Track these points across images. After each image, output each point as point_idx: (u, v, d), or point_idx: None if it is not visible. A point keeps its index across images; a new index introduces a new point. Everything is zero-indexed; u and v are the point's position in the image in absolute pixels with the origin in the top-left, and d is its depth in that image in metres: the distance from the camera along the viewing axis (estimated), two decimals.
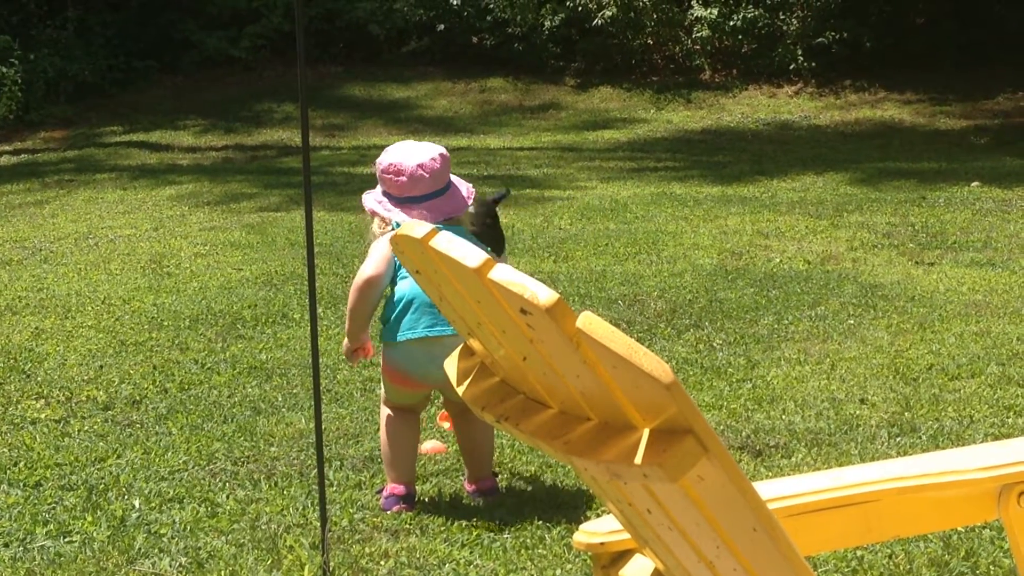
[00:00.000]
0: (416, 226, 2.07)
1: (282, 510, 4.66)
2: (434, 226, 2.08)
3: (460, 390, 2.30)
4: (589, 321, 1.86)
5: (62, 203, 13.84)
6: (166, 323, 7.76)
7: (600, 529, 2.66)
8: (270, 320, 7.75)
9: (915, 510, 2.83)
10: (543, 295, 1.89)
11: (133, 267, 9.77)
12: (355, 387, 6.27)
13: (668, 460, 1.86)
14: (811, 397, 6.01)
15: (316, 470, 5.01)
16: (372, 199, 4.70)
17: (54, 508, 4.73)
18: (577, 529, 2.69)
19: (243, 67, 21.57)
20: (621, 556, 2.65)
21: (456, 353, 2.39)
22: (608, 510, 2.56)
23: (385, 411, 4.79)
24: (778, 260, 9.45)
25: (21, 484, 5.00)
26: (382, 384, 4.83)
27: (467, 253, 1.99)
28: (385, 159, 4.63)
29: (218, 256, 10.12)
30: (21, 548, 4.34)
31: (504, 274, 1.94)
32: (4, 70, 19.31)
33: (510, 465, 5.11)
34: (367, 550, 4.26)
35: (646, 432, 1.91)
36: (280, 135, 18.78)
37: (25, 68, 19.58)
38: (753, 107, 20.06)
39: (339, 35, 21.90)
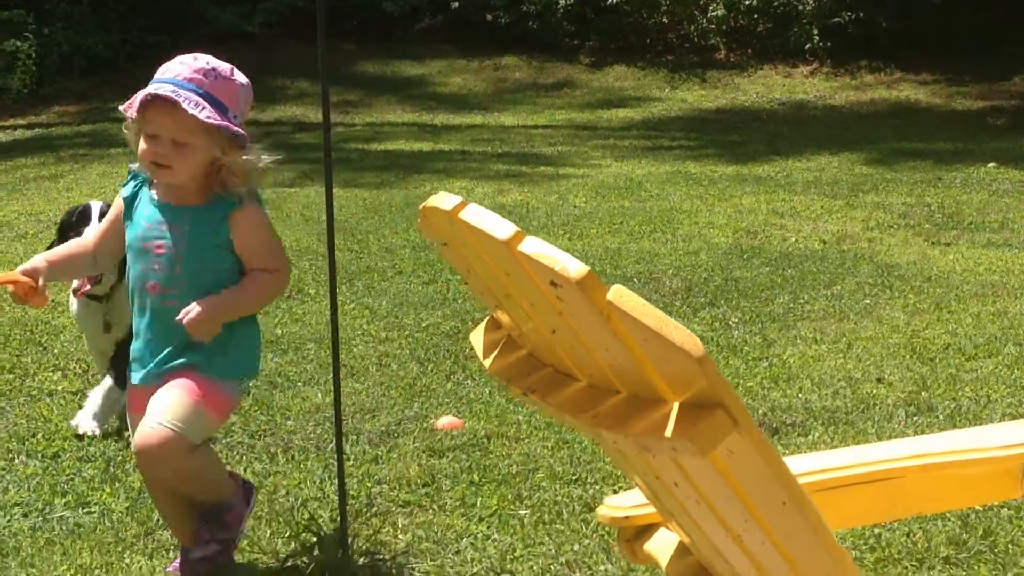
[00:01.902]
0: (446, 197, 2.06)
1: (299, 483, 4.66)
2: (462, 198, 2.07)
3: (487, 363, 2.30)
4: (620, 294, 1.85)
5: (77, 177, 13.83)
6: None
7: (625, 503, 2.66)
8: (285, 295, 7.74)
9: (937, 487, 2.83)
10: (574, 268, 1.88)
11: None
12: (371, 362, 6.27)
13: (698, 434, 1.86)
14: (827, 376, 6.00)
15: (332, 444, 5.04)
16: None
17: (72, 479, 4.74)
18: (596, 504, 2.69)
19: (256, 43, 21.54)
20: (645, 530, 2.65)
21: (482, 326, 2.39)
22: (633, 484, 2.56)
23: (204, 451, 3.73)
24: (793, 239, 9.43)
25: (39, 455, 5.01)
26: (204, 424, 3.65)
27: (497, 225, 1.98)
28: None
29: None
30: (40, 518, 4.35)
31: (535, 246, 1.93)
32: (18, 44, 19.31)
33: (527, 441, 5.11)
34: (385, 524, 4.27)
35: (676, 405, 1.90)
36: (294, 111, 18.76)
37: (39, 42, 19.58)
38: (768, 87, 20.01)
39: (353, 12, 21.86)
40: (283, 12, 21.52)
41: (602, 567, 3.94)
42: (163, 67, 3.62)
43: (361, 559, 3.92)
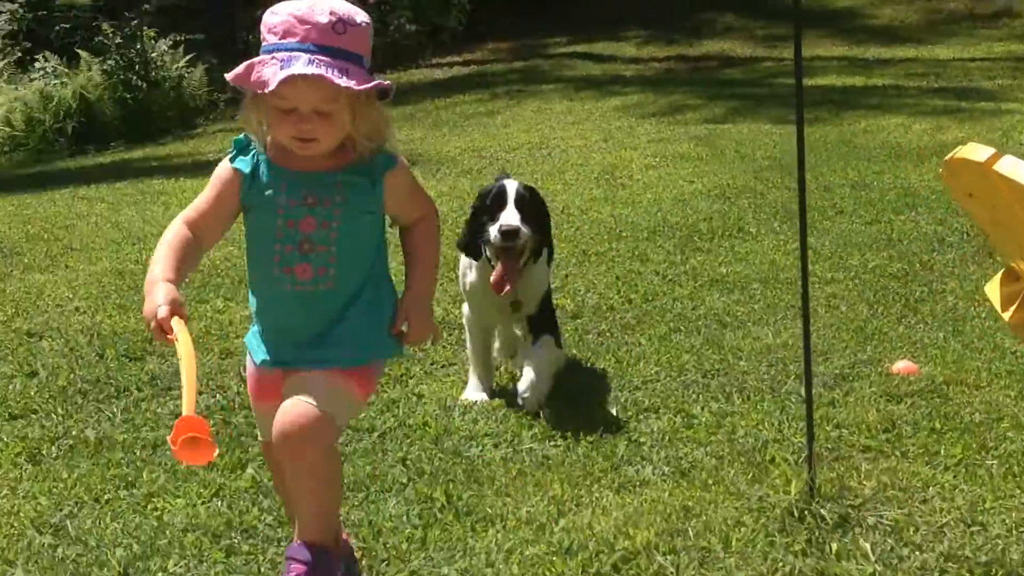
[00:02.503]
0: (978, 149, 2.01)
1: (757, 424, 4.67)
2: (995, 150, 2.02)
3: (1005, 316, 2.24)
4: None
5: (512, 113, 14.25)
6: (624, 234, 7.88)
7: None
8: (726, 233, 7.77)
9: None
10: None
11: (587, 177, 9.97)
12: (819, 303, 6.20)
13: None
14: None
15: (787, 386, 5.05)
16: None
17: (538, 412, 4.88)
18: None
19: None
20: None
21: (997, 278, 2.32)
22: None
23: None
24: None
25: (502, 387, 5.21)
26: (352, 408, 3.45)
27: None
28: None
29: (668, 168, 10.19)
30: (510, 449, 4.53)
31: None
32: None
33: (987, 389, 4.95)
34: (848, 469, 4.23)
35: None
36: (722, 46, 18.71)
37: None
38: None
39: None
40: None
41: None
42: (277, 24, 3.17)
43: (828, 504, 3.90)
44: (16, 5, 19.73)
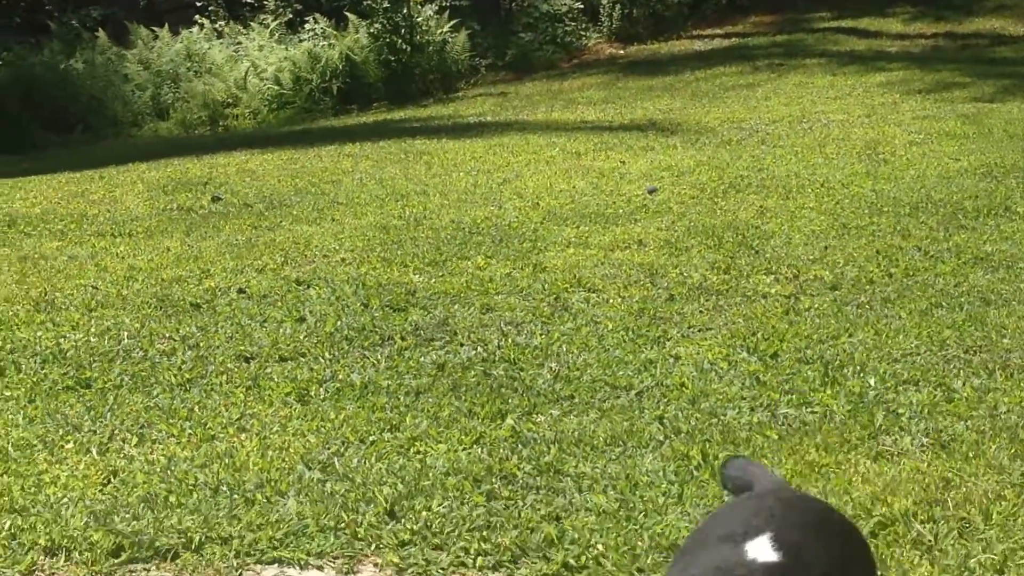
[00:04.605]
0: None
1: (1021, 402, 4.59)
2: None
3: None
4: None
5: (773, 86, 14.14)
6: (886, 209, 7.77)
7: None
8: (992, 212, 7.58)
9: None
10: None
11: (848, 152, 9.84)
12: None
13: None
14: None
15: None
16: None
17: (792, 379, 4.88)
18: None
19: None
20: None
21: None
22: None
23: None
24: None
25: (759, 354, 5.21)
26: None
27: None
28: None
29: (933, 145, 9.99)
30: (767, 414, 4.54)
31: None
32: None
33: None
34: None
35: None
36: (993, 24, 18.17)
37: None
38: None
39: None
40: None
41: None
42: None
43: None
44: None
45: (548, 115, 14.19)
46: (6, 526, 3.89)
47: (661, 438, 4.34)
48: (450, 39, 18.44)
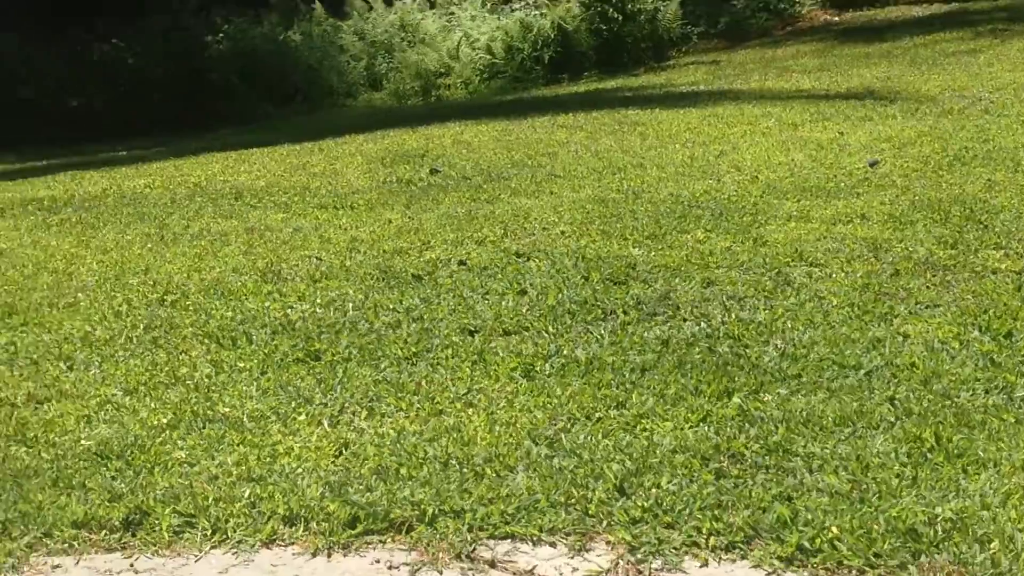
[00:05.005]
0: None
1: None
2: None
3: None
4: None
5: (996, 52, 13.73)
6: None
7: None
8: None
9: None
10: None
11: None
12: None
13: None
14: None
15: None
16: None
17: None
18: None
19: None
20: None
21: None
22: None
23: None
24: None
25: (991, 332, 5.07)
26: None
27: None
28: None
29: None
30: (1004, 396, 4.42)
31: None
32: None
33: None
34: None
35: None
36: None
37: None
38: None
39: None
40: None
41: None
42: None
43: None
44: None
45: (762, 84, 14.02)
46: (245, 494, 4.00)
47: (892, 419, 4.27)
48: (662, 7, 18.33)
